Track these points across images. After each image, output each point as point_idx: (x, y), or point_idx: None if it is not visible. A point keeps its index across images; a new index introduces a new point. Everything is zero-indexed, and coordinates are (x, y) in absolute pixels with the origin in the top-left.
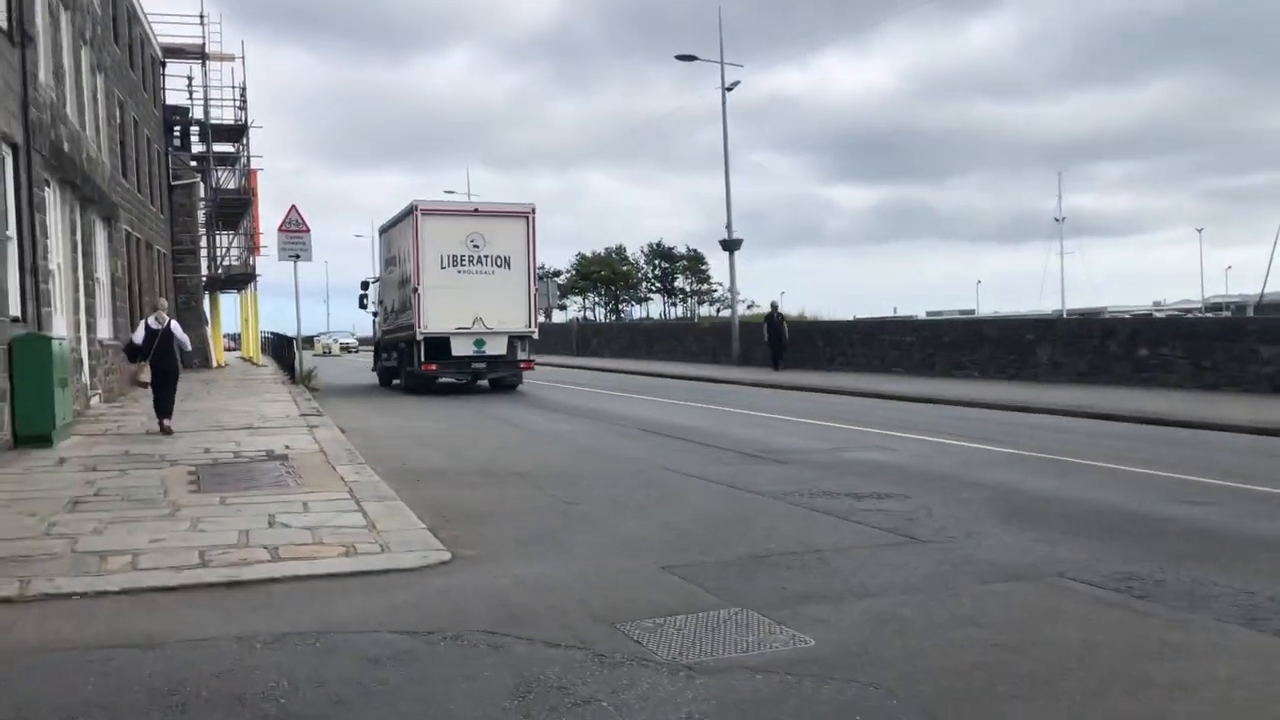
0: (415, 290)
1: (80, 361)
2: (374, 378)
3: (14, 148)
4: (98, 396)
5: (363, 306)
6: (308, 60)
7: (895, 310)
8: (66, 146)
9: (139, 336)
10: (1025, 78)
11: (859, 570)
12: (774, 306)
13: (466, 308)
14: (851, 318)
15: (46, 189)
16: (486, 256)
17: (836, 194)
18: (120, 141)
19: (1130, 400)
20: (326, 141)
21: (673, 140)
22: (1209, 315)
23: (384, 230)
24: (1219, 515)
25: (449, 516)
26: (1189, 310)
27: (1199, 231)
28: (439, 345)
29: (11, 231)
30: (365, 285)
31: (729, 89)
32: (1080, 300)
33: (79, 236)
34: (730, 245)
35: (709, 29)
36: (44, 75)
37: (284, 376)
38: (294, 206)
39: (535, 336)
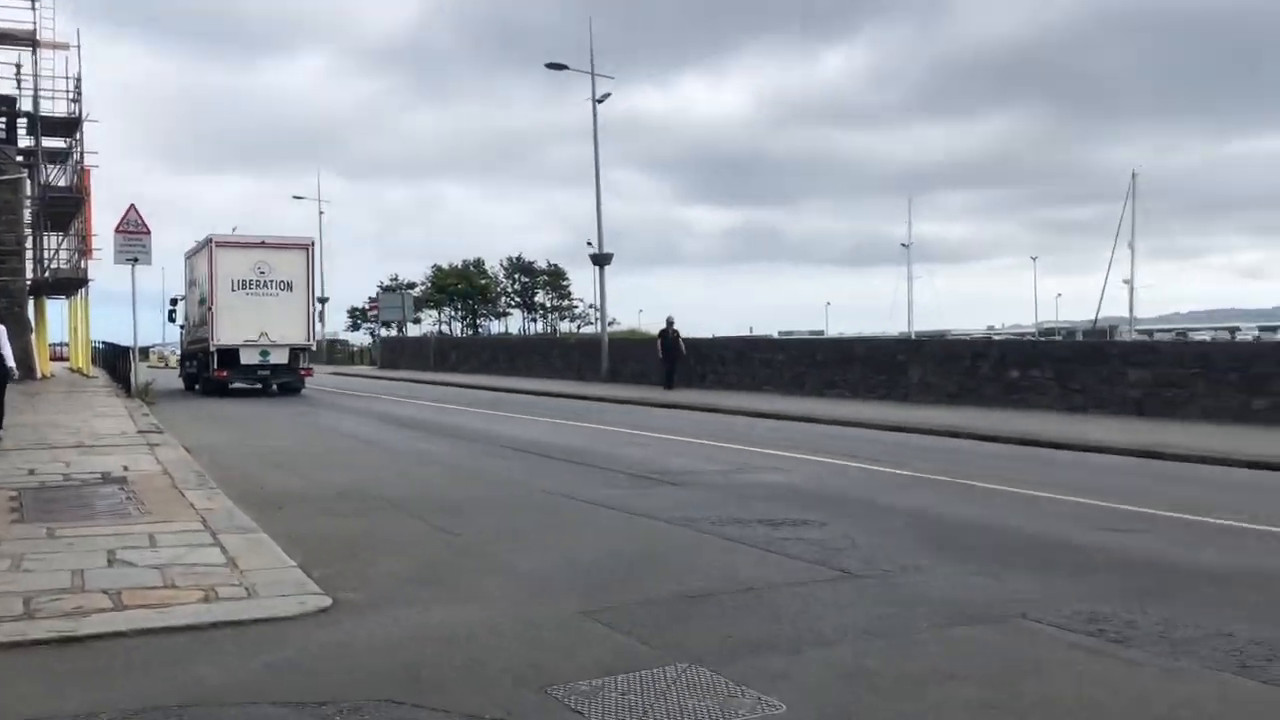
0: (210, 309)
1: None
2: (220, 396)
3: None
4: None
5: (171, 320)
6: (149, 59)
7: (751, 330)
8: None
9: None
10: (874, 108)
11: (803, 612)
12: (669, 322)
13: (253, 324)
14: (710, 336)
15: None
16: (271, 281)
17: (693, 215)
18: None
19: (1006, 421)
20: (168, 144)
21: (532, 155)
22: (1052, 340)
23: (188, 256)
24: (1153, 544)
25: (320, 551)
26: (1023, 335)
27: (1034, 260)
28: (230, 355)
29: None
30: (174, 302)
31: (600, 100)
32: (925, 323)
33: None
34: (600, 260)
35: (570, 44)
36: None
37: (118, 389)
38: (132, 206)
39: (313, 348)
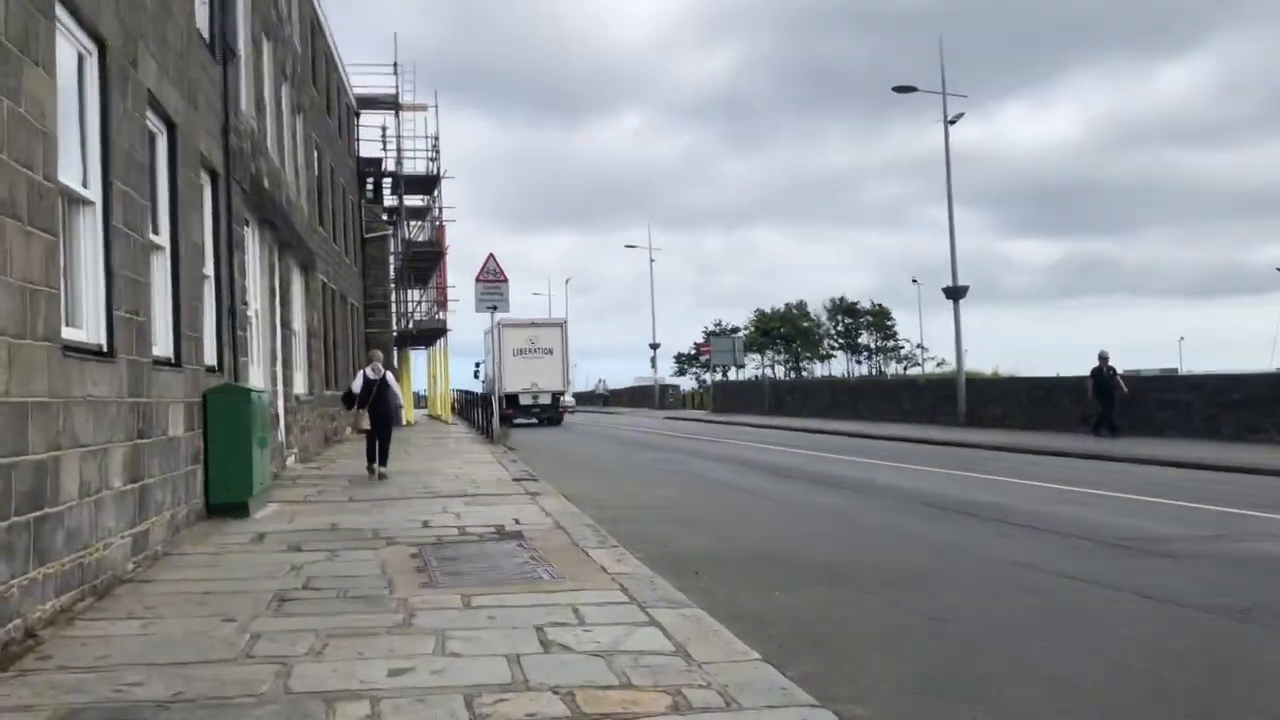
0: (499, 367)
1: (277, 418)
2: (575, 438)
3: (213, 175)
4: (294, 456)
5: (476, 376)
6: (484, 126)
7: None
8: (266, 183)
9: (357, 385)
10: (1219, 124)
11: None
12: (1103, 358)
13: (528, 377)
14: (1056, 374)
15: (246, 227)
16: (538, 349)
17: (1016, 248)
18: (317, 188)
19: None
20: (503, 205)
21: (843, 197)
22: None
23: (485, 333)
24: None
25: (779, 637)
26: None
27: None
28: (513, 398)
29: (209, 269)
30: (477, 364)
31: (953, 121)
32: None
33: (276, 282)
34: (955, 293)
35: (883, 84)
36: (245, 103)
37: (476, 435)
38: (491, 255)
39: (567, 394)
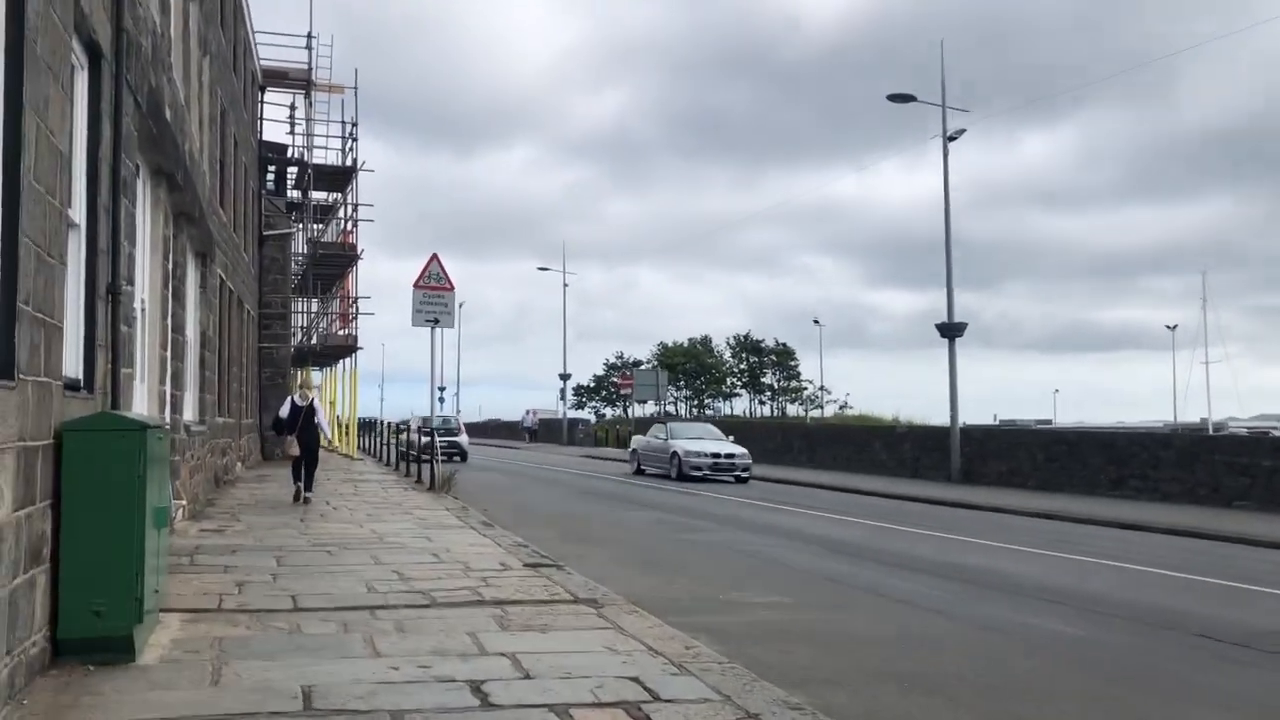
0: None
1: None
2: (509, 482)
3: (94, 54)
4: (183, 510)
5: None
6: (374, 148)
7: (995, 418)
8: (169, 113)
9: (285, 411)
10: (1077, 191)
11: None
12: None
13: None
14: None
15: (137, 175)
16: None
17: (881, 298)
18: (219, 160)
19: None
20: (388, 229)
21: (721, 240)
22: None
23: None
24: None
25: None
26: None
27: None
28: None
29: (78, 214)
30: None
31: (952, 138)
32: (1166, 413)
33: (171, 266)
34: (950, 330)
35: (771, 134)
36: None
37: (400, 477)
38: (435, 256)
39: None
